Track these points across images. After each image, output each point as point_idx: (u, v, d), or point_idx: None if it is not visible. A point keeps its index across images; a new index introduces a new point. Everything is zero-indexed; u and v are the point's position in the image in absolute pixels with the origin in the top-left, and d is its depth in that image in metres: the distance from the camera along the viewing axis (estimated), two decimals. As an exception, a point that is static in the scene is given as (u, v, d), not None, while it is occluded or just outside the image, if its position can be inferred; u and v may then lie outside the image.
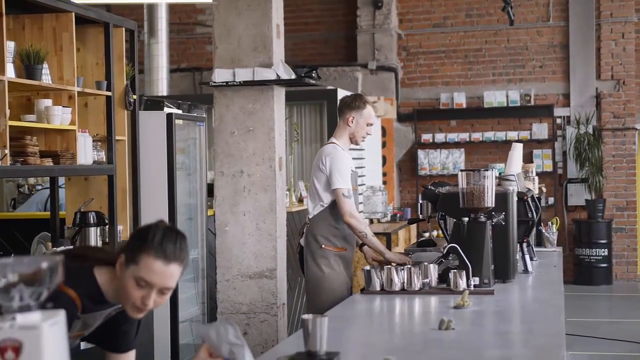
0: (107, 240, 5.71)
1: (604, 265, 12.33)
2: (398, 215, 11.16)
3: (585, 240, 12.34)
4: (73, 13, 5.29)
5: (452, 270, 4.27)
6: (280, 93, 6.23)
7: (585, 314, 10.31)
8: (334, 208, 5.19)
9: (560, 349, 2.93)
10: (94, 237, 5.55)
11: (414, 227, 11.36)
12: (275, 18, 6.14)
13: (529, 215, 5.06)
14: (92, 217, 5.54)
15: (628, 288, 12.26)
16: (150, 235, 2.57)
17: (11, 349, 1.75)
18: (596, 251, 12.29)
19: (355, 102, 5.34)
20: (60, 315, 1.83)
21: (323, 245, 5.23)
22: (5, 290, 1.79)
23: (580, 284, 12.26)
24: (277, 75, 5.99)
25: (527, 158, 12.42)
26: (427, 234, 12.46)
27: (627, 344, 8.44)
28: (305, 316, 2.75)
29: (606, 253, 12.32)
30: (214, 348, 2.60)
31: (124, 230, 5.94)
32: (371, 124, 5.38)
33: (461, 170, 4.51)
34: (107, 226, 5.68)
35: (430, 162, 13.01)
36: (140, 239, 2.59)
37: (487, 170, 4.47)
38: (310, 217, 5.33)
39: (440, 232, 12.60)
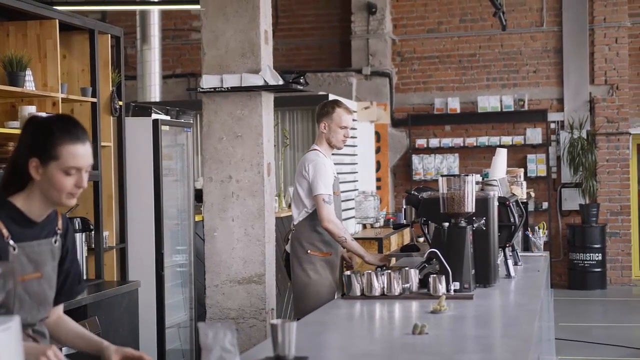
0: (92, 246, 5.72)
1: (598, 269, 12.33)
2: (391, 220, 11.18)
3: (579, 245, 12.34)
4: (57, 20, 5.32)
5: (432, 275, 4.28)
6: (268, 99, 6.24)
7: (579, 318, 10.31)
8: None
9: (527, 353, 2.94)
10: (80, 243, 5.56)
11: (407, 232, 11.37)
12: (263, 24, 6.16)
13: (512, 220, 5.06)
14: (77, 223, 5.55)
15: (622, 293, 12.25)
16: (55, 128, 2.67)
17: (-38, 354, 1.77)
18: (590, 256, 12.29)
19: (325, 108, 5.51)
20: (14, 321, 1.85)
21: (309, 251, 5.31)
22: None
23: (574, 288, 12.27)
24: (265, 81, 6.01)
25: (521, 163, 12.44)
26: (421, 239, 12.48)
27: (620, 349, 8.44)
28: (274, 321, 2.78)
29: (600, 257, 12.32)
30: (204, 349, 2.62)
31: (109, 237, 5.96)
32: (345, 127, 5.46)
33: (442, 176, 4.52)
34: (92, 232, 5.70)
35: (425, 167, 13.03)
36: (46, 135, 2.66)
37: (468, 175, 4.48)
38: (295, 223, 5.40)
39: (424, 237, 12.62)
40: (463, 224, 4.46)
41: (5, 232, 2.66)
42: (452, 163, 12.94)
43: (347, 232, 5.29)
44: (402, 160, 13.20)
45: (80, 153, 2.69)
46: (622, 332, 9.43)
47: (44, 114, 2.81)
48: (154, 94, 10.12)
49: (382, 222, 10.46)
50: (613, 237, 12.64)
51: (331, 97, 10.18)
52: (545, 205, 12.62)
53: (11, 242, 2.66)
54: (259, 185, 6.04)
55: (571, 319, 10.04)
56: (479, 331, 3.60)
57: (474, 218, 4.51)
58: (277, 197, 8.14)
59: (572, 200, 12.65)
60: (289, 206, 8.47)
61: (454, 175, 4.52)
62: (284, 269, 7.32)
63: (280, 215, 7.48)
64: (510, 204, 5.06)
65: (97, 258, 5.63)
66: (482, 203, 4.59)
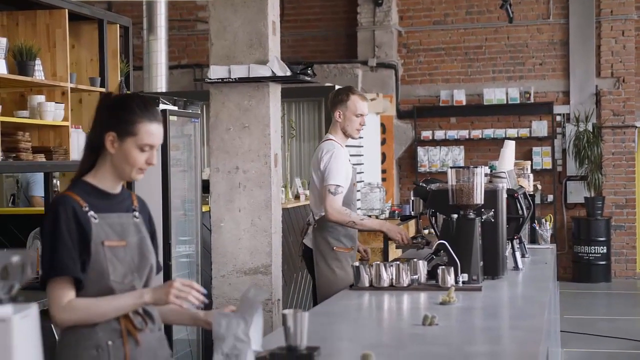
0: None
1: (603, 262, 12.34)
2: (397, 212, 11.17)
3: (584, 238, 12.35)
4: (66, 10, 5.32)
5: (441, 267, 4.28)
6: (275, 90, 6.24)
7: (583, 311, 10.32)
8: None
9: (538, 345, 2.94)
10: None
11: (412, 223, 11.37)
12: (271, 15, 6.16)
13: (520, 212, 5.06)
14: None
15: (627, 285, 12.26)
16: (135, 106, 2.82)
17: (-18, 341, 1.78)
18: (595, 249, 12.29)
19: (339, 95, 5.32)
20: (32, 309, 1.86)
21: (335, 247, 5.18)
22: (-24, 283, 1.82)
23: (579, 281, 12.27)
24: (272, 72, 6.00)
25: (527, 155, 12.43)
26: (426, 231, 12.49)
27: (624, 342, 8.45)
28: (286, 311, 2.78)
29: (605, 250, 12.32)
30: (217, 337, 2.65)
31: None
32: (361, 114, 5.29)
33: (450, 167, 4.52)
34: (100, 221, 5.70)
35: (430, 159, 13.03)
36: (126, 111, 2.81)
37: (477, 167, 4.48)
38: (316, 217, 5.25)
39: (432, 228, 12.62)
40: (472, 215, 4.46)
41: (83, 203, 2.80)
42: (457, 155, 12.94)
43: (352, 214, 5.10)
44: (407, 152, 13.19)
45: (156, 132, 2.84)
46: (627, 325, 9.44)
47: (125, 93, 3.04)
48: (161, 84, 10.11)
49: (387, 214, 10.46)
50: (618, 230, 12.63)
51: (338, 88, 10.19)
52: (550, 198, 12.61)
53: (91, 212, 2.80)
54: (266, 176, 6.03)
55: (576, 312, 10.05)
56: (488, 323, 3.61)
57: (482, 210, 4.51)
58: (283, 189, 8.15)
59: (577, 193, 12.65)
60: (296, 197, 8.47)
61: (463, 167, 4.52)
62: (291, 260, 7.34)
63: (287, 206, 7.48)
64: (519, 196, 5.07)
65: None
66: (491, 195, 4.59)
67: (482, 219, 4.49)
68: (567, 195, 12.76)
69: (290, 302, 7.64)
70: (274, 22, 6.28)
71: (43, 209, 6.01)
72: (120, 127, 2.81)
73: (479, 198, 4.44)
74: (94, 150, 2.86)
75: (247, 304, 2.73)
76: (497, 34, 13.02)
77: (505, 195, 4.75)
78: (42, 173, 6.05)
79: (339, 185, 5.13)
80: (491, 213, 4.55)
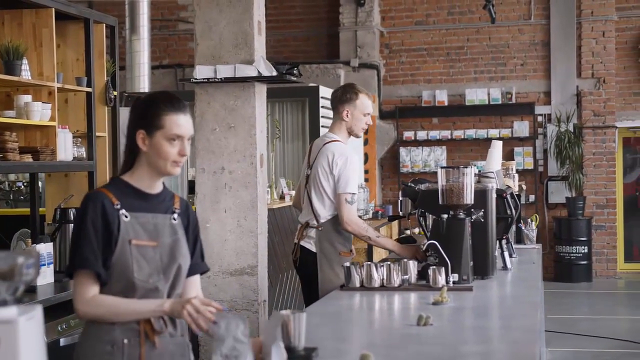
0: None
1: (584, 262, 12.41)
2: (380, 212, 11.19)
3: (565, 238, 12.42)
4: (53, 9, 5.27)
5: (431, 267, 4.29)
6: (261, 90, 6.23)
7: (565, 310, 10.37)
8: None
9: (534, 344, 2.95)
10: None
11: (395, 224, 11.40)
12: (256, 15, 6.15)
13: (508, 212, 5.08)
14: (72, 214, 5.52)
15: (608, 285, 12.34)
16: (159, 100, 2.90)
17: (-13, 343, 1.76)
18: (576, 248, 12.37)
19: (346, 94, 5.11)
20: (37, 310, 1.84)
21: (341, 252, 5.04)
22: (-19, 285, 1.80)
23: (560, 281, 12.34)
24: (259, 72, 5.99)
25: (508, 156, 12.48)
26: (407, 231, 12.51)
27: (606, 341, 8.50)
28: (284, 312, 2.77)
29: (586, 250, 12.39)
30: (217, 339, 2.64)
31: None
32: (367, 114, 5.13)
33: (441, 167, 4.52)
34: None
35: (412, 159, 13.05)
36: (151, 107, 2.90)
37: (467, 167, 4.48)
38: (322, 221, 5.05)
39: (420, 229, 12.63)
40: (462, 215, 4.47)
41: (115, 201, 2.85)
42: (439, 156, 12.97)
43: (369, 229, 4.95)
44: (389, 152, 13.21)
45: (182, 122, 2.90)
46: (608, 324, 9.50)
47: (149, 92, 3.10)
48: (143, 84, 10.04)
49: (371, 214, 10.47)
50: (599, 230, 12.71)
51: (322, 89, 10.18)
52: (532, 198, 12.68)
53: (122, 210, 2.85)
54: (252, 177, 6.03)
55: (558, 311, 10.09)
56: (483, 323, 3.61)
57: (472, 210, 4.52)
58: (268, 189, 8.13)
59: (558, 193, 12.72)
60: (281, 198, 8.45)
61: (453, 167, 4.52)
62: (276, 261, 7.32)
63: (272, 207, 7.47)
64: (507, 196, 5.08)
65: (91, 249, 5.58)
66: (481, 195, 4.60)
67: (472, 219, 4.50)
68: (549, 195, 12.82)
69: (276, 303, 7.62)
70: (260, 22, 6.26)
71: (28, 210, 5.95)
72: (148, 123, 2.88)
73: (469, 198, 4.45)
74: (131, 153, 2.92)
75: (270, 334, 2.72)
76: (478, 34, 13.06)
77: (494, 195, 4.76)
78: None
79: (355, 194, 4.97)
80: (481, 213, 4.55)
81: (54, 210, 5.62)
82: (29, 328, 1.80)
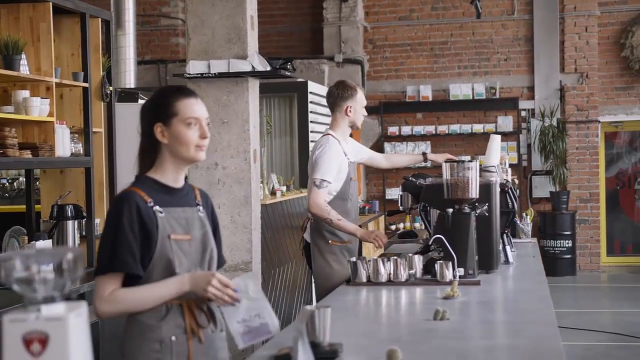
0: (84, 233, 5.64)
1: (568, 256, 12.48)
2: (366, 208, 11.20)
3: (549, 232, 12.47)
4: (51, 3, 5.21)
5: (439, 262, 4.28)
6: (254, 85, 6.20)
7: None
8: (337, 201, 5.15)
9: (557, 338, 2.95)
10: (72, 230, 5.47)
11: (381, 219, 11.41)
12: (249, 9, 6.12)
13: (510, 205, 5.09)
14: (69, 210, 5.47)
15: (591, 279, 12.42)
16: (167, 92, 2.91)
17: (37, 340, 1.73)
18: (560, 242, 12.43)
19: (347, 91, 5.33)
20: (83, 307, 1.81)
21: (330, 241, 5.19)
22: (29, 281, 1.77)
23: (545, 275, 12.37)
24: (253, 67, 5.96)
25: (493, 150, 12.49)
26: (393, 227, 12.53)
27: (591, 334, 8.56)
28: (309, 307, 2.75)
29: (570, 244, 12.46)
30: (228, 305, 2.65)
31: (101, 224, 5.87)
32: (364, 105, 5.46)
33: (445, 161, 4.52)
34: (84, 219, 5.61)
35: (397, 154, 13.05)
36: (162, 99, 2.89)
37: (472, 161, 4.48)
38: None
39: (409, 224, 12.60)
40: (467, 209, 4.47)
41: (148, 198, 2.83)
42: (424, 150, 12.98)
43: (332, 212, 5.08)
44: (374, 147, 13.17)
45: (195, 104, 2.89)
46: (593, 318, 9.56)
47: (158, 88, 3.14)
48: (129, 80, 9.98)
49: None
50: (582, 224, 12.78)
51: (311, 84, 10.15)
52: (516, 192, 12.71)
53: (156, 207, 2.83)
54: (246, 172, 6.01)
55: (545, 305, 10.13)
56: (496, 316, 3.62)
57: (476, 204, 4.52)
58: (260, 185, 8.10)
59: (542, 187, 12.77)
60: (272, 193, 8.42)
61: (457, 162, 4.52)
62: (269, 256, 7.29)
63: (265, 202, 7.44)
64: (509, 190, 5.09)
65: (88, 245, 5.54)
66: (485, 189, 4.61)
67: (476, 213, 4.50)
68: (533, 189, 12.88)
69: (269, 298, 7.60)
70: (252, 17, 6.24)
71: (24, 207, 5.89)
72: (163, 114, 2.86)
73: (474, 192, 4.45)
74: (153, 150, 2.90)
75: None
76: (462, 29, 13.09)
77: (498, 189, 4.77)
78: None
79: (324, 180, 5.10)
80: (485, 207, 4.55)
81: (50, 207, 5.56)
82: (77, 324, 1.78)
